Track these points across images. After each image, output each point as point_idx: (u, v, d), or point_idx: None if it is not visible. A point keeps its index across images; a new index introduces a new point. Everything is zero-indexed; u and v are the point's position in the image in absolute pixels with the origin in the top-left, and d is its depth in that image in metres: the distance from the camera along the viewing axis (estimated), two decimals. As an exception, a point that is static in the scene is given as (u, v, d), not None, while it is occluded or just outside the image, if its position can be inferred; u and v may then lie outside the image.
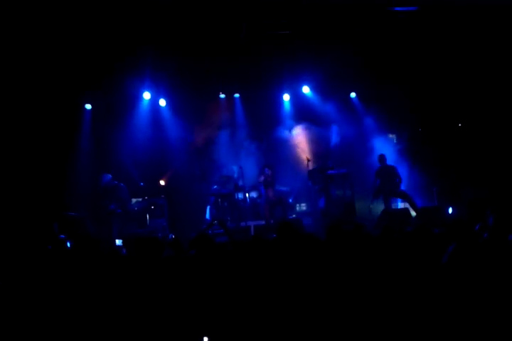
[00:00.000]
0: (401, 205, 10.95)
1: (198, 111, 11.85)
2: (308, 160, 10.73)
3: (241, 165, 10.99)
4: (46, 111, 10.26)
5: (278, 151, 12.03)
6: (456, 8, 9.12)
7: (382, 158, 10.65)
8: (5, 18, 8.45)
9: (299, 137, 11.97)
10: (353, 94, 12.15)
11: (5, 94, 9.65)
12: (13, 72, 9.52)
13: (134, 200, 10.42)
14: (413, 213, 10.01)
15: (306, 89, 12.03)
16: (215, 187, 11.14)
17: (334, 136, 11.99)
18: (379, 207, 10.49)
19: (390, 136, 12.36)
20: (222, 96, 12.00)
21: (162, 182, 11.44)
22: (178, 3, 8.65)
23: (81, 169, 10.53)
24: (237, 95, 12.16)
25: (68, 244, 8.10)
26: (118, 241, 8.87)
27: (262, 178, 10.74)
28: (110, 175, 9.85)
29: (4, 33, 8.77)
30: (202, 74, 11.14)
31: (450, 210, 10.06)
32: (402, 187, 10.62)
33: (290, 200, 11.78)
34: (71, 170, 10.41)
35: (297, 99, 12.14)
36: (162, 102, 11.72)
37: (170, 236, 8.80)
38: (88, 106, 11.27)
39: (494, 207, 6.08)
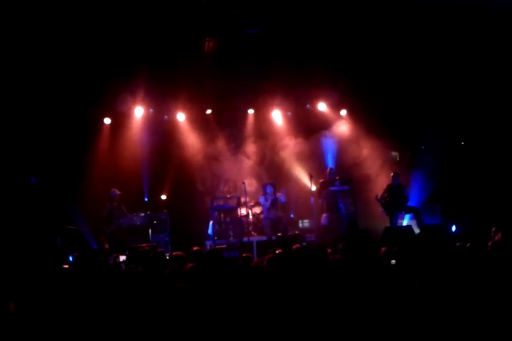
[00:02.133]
0: (404, 223, 10.92)
1: (203, 125, 11.94)
2: (311, 176, 10.74)
3: (244, 180, 10.99)
4: (63, 123, 10.44)
5: (280, 167, 12.06)
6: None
7: (396, 176, 10.67)
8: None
9: (300, 152, 12.02)
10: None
11: (22, 104, 9.82)
12: (29, 82, 9.69)
13: (136, 215, 10.41)
14: (417, 230, 9.97)
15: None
16: (218, 202, 11.13)
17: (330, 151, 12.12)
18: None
19: (393, 153, 12.39)
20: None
21: (164, 197, 11.48)
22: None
23: (90, 182, 10.55)
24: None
25: (70, 258, 8.10)
26: (122, 257, 8.85)
27: (263, 197, 10.78)
28: (117, 190, 9.96)
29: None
30: (210, 88, 11.23)
31: (453, 228, 10.03)
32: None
33: (292, 216, 11.77)
34: (79, 183, 10.45)
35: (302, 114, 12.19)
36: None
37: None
38: (107, 121, 11.38)
39: (501, 223, 6.07)
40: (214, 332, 3.71)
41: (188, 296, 4.14)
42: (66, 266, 5.51)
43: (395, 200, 10.43)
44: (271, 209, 10.69)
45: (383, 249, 5.65)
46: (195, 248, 6.07)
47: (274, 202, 10.72)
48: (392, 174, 10.76)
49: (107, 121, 11.41)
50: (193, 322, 3.82)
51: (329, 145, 12.40)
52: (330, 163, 12.10)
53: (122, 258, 8.59)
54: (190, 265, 5.29)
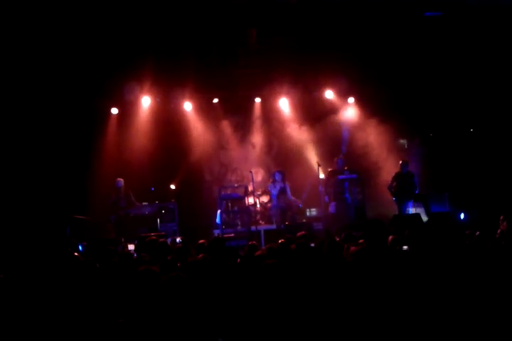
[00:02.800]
0: (412, 211, 10.89)
1: (210, 114, 11.92)
2: (319, 165, 10.71)
3: (251, 169, 10.99)
4: (70, 113, 10.48)
5: (289, 156, 12.05)
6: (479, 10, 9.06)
7: (404, 164, 10.64)
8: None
9: (309, 140, 11.98)
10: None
11: (30, 95, 9.85)
12: (36, 73, 9.71)
13: (144, 205, 10.46)
14: (425, 218, 9.95)
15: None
16: (226, 191, 11.15)
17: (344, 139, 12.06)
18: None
19: (401, 141, 12.34)
20: None
21: (172, 187, 11.51)
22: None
23: (98, 172, 10.59)
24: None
25: (80, 248, 8.17)
26: (130, 246, 8.91)
27: (272, 184, 10.76)
28: (122, 180, 9.95)
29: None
30: (218, 77, 11.21)
31: (462, 216, 10.00)
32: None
33: (300, 205, 11.77)
34: (87, 173, 10.50)
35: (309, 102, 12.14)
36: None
37: (178, 240, 8.77)
38: (114, 111, 11.40)
39: (508, 212, 6.05)
40: (215, 318, 3.72)
41: (193, 286, 4.16)
42: (76, 254, 5.57)
43: (403, 188, 10.41)
44: (280, 197, 10.64)
45: (391, 237, 5.66)
46: (200, 241, 6.10)
47: (283, 189, 10.68)
48: (400, 162, 10.74)
49: (114, 111, 11.44)
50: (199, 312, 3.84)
51: (337, 134, 12.38)
52: (338, 152, 12.07)
53: (131, 247, 8.64)
54: (201, 255, 5.31)
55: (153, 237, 7.37)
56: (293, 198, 10.83)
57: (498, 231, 6.09)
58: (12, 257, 6.25)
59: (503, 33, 9.71)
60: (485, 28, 9.67)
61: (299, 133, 12.05)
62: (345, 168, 10.90)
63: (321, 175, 10.92)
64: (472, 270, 4.10)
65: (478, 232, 5.34)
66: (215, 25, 9.53)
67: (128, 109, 11.43)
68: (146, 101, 11.43)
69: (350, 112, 12.20)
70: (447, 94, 11.23)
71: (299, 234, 6.75)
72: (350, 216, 10.52)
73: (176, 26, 9.39)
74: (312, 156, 11.87)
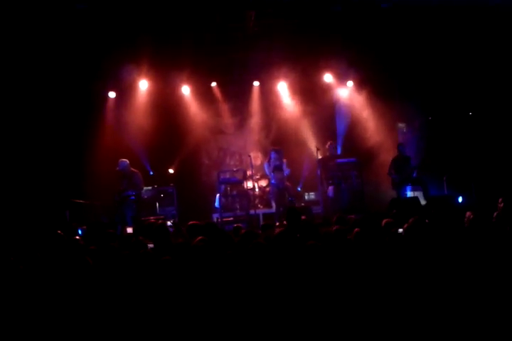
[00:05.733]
0: (410, 194, 10.92)
1: (208, 98, 11.87)
2: (318, 149, 10.70)
3: (250, 153, 10.97)
4: (67, 97, 10.42)
5: (287, 140, 12.03)
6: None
7: (401, 147, 10.66)
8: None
9: (306, 124, 11.95)
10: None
11: (27, 79, 9.79)
12: (35, 57, 9.63)
13: (144, 189, 10.46)
14: (423, 202, 9.97)
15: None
16: (224, 175, 11.16)
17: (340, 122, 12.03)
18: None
19: (400, 124, 12.32)
20: None
21: (171, 171, 11.52)
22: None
23: (96, 156, 10.56)
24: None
25: (80, 231, 8.20)
26: (129, 230, 8.92)
27: (267, 163, 10.76)
28: (127, 162, 9.84)
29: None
30: (216, 61, 11.15)
31: (460, 199, 10.03)
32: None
33: (298, 189, 11.79)
34: (86, 157, 10.47)
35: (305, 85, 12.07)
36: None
37: (169, 223, 8.65)
38: (112, 95, 11.33)
39: (506, 195, 6.05)
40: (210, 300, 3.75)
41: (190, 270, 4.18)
42: (77, 237, 5.60)
43: (401, 172, 10.43)
44: (276, 174, 10.62)
45: (385, 220, 5.69)
46: (191, 222, 6.02)
47: (279, 167, 10.65)
48: (397, 145, 10.75)
49: (112, 94, 11.38)
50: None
51: (336, 117, 12.35)
52: (336, 135, 12.06)
53: (129, 230, 8.67)
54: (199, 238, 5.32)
55: (152, 220, 7.41)
56: (288, 170, 10.78)
57: (495, 214, 6.09)
58: (12, 242, 6.29)
59: (505, 15, 9.63)
60: (487, 11, 9.59)
61: (297, 117, 12.01)
62: (338, 154, 10.92)
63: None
64: (469, 255, 4.12)
65: (469, 213, 5.31)
66: (213, 7, 9.42)
67: (126, 92, 11.37)
68: (143, 85, 11.37)
69: (348, 96, 12.16)
70: (446, 77, 11.17)
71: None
72: (348, 200, 10.54)
73: (173, 8, 9.28)
74: (311, 140, 11.84)
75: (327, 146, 11.10)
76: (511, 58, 10.33)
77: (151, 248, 5.31)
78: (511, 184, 9.40)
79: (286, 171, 10.73)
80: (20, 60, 9.53)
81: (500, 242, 4.30)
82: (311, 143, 11.68)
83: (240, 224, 6.93)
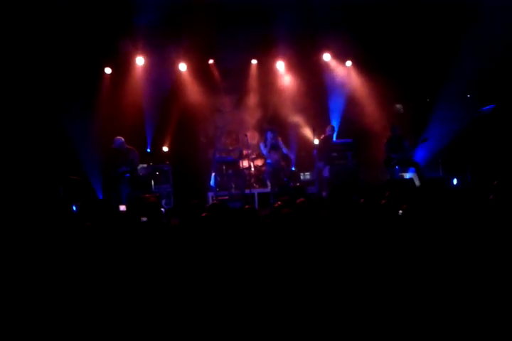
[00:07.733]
0: (405, 176, 10.95)
1: (205, 76, 11.75)
2: (314, 130, 10.67)
3: (246, 133, 10.93)
4: (63, 73, 10.26)
5: (283, 120, 11.98)
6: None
7: (395, 128, 10.63)
8: None
9: (303, 104, 11.89)
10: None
11: (21, 56, 9.64)
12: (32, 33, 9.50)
13: (139, 165, 10.44)
14: (418, 183, 10.00)
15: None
16: (220, 154, 11.13)
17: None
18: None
19: (397, 105, 12.27)
20: None
21: (165, 149, 11.49)
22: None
23: (91, 133, 10.48)
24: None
25: (74, 208, 8.20)
26: (122, 207, 8.91)
27: (262, 144, 10.75)
28: (122, 139, 9.78)
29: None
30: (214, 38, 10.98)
31: (455, 181, 10.06)
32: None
33: (292, 168, 11.79)
34: (80, 134, 10.39)
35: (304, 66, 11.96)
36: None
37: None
38: (108, 70, 11.20)
39: (502, 177, 6.06)
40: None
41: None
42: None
43: (395, 152, 10.42)
44: (273, 154, 10.60)
45: (383, 201, 5.70)
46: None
47: (275, 146, 10.64)
48: (391, 126, 10.72)
49: (108, 70, 11.25)
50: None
51: (333, 98, 12.28)
52: (333, 116, 12.03)
53: (122, 208, 8.66)
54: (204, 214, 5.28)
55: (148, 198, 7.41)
56: (286, 150, 10.82)
57: (491, 197, 6.10)
58: (7, 217, 6.28)
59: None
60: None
61: (294, 97, 11.93)
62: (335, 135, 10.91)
63: (316, 141, 10.91)
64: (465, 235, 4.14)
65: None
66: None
67: (122, 68, 11.24)
68: (140, 61, 11.25)
69: (347, 77, 12.07)
70: (446, 58, 11.08)
71: (298, 200, 6.72)
72: (344, 180, 10.55)
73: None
74: (307, 121, 11.80)
75: (327, 128, 11.08)
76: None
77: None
78: (507, 167, 9.41)
79: (284, 149, 10.73)
80: (15, 35, 9.37)
81: (497, 225, 4.32)
82: (308, 123, 11.64)
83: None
